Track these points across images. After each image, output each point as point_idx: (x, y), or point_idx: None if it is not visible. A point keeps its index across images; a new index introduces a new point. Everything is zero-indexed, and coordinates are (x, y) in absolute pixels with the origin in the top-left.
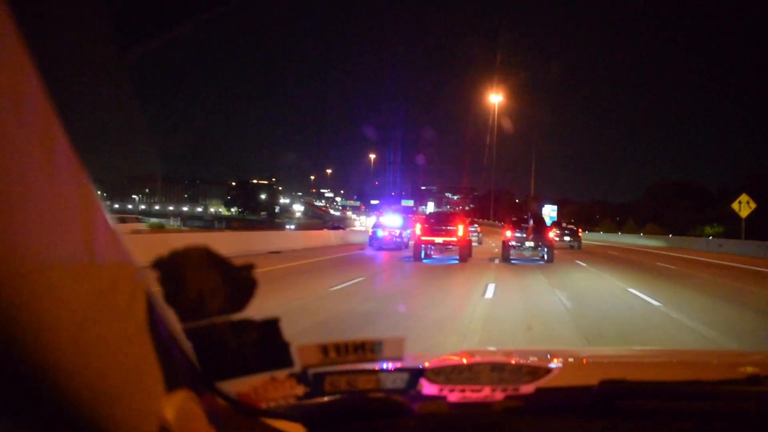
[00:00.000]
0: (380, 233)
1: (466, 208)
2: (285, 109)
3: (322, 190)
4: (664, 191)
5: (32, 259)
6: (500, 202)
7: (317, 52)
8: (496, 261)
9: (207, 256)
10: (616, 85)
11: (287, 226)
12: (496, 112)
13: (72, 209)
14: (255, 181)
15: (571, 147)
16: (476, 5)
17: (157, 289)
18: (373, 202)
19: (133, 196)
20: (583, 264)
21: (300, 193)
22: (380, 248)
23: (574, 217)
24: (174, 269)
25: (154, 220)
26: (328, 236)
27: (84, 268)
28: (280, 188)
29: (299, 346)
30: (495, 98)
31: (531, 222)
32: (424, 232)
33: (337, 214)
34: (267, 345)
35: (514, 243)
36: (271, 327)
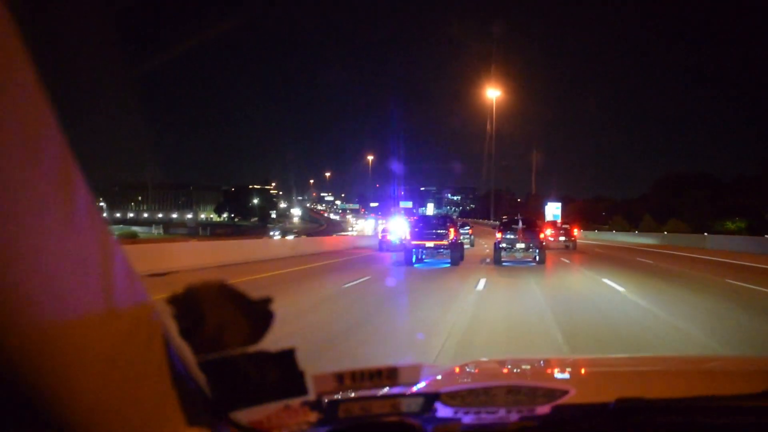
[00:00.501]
0: (388, 237)
1: (467, 208)
2: (285, 114)
3: (322, 194)
4: (673, 184)
5: (56, 310)
6: (501, 202)
7: (317, 55)
8: (482, 283)
9: (223, 289)
10: (618, 80)
11: (271, 233)
12: (494, 109)
13: (92, 256)
14: (250, 187)
15: (573, 143)
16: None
17: (171, 323)
18: (372, 204)
19: (102, 204)
20: (619, 288)
21: (300, 198)
22: (388, 250)
23: (579, 214)
24: (189, 304)
25: (135, 228)
26: (288, 245)
27: (106, 317)
28: (280, 193)
29: (314, 375)
30: (494, 94)
31: (521, 223)
32: (414, 236)
33: (337, 217)
34: (282, 374)
35: (505, 245)
36: (286, 357)
